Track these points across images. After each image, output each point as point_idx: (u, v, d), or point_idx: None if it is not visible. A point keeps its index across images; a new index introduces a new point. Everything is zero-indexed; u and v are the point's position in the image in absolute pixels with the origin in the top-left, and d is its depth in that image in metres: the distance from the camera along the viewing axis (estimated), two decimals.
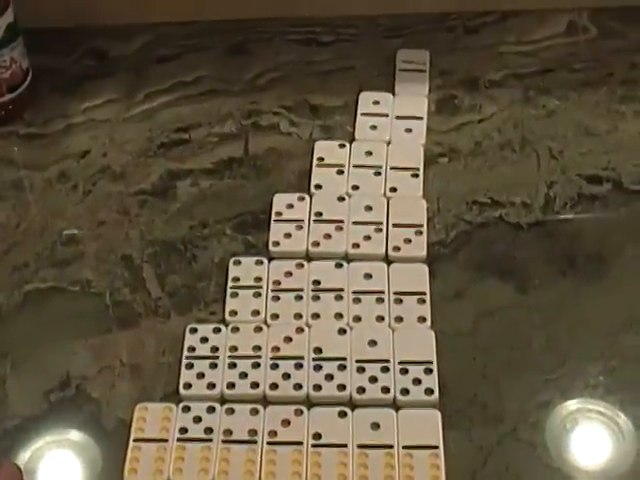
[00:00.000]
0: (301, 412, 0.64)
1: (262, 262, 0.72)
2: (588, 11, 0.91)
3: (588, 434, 0.64)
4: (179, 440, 0.63)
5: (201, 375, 0.66)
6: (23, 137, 0.83)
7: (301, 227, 0.74)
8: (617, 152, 0.81)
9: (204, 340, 0.68)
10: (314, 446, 0.62)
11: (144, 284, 0.72)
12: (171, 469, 0.61)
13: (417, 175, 0.78)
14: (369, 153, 0.80)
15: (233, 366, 0.66)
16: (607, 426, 0.64)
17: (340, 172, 0.78)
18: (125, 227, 0.76)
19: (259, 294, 0.70)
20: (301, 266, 0.72)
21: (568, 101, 0.85)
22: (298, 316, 0.69)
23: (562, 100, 0.85)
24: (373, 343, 0.67)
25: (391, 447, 0.62)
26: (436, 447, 0.62)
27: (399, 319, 0.69)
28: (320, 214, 0.75)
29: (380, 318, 0.69)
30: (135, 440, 0.63)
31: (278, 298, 0.70)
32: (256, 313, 0.69)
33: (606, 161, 0.80)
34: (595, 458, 0.63)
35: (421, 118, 0.83)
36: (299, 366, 0.66)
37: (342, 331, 0.68)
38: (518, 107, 0.85)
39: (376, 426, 0.63)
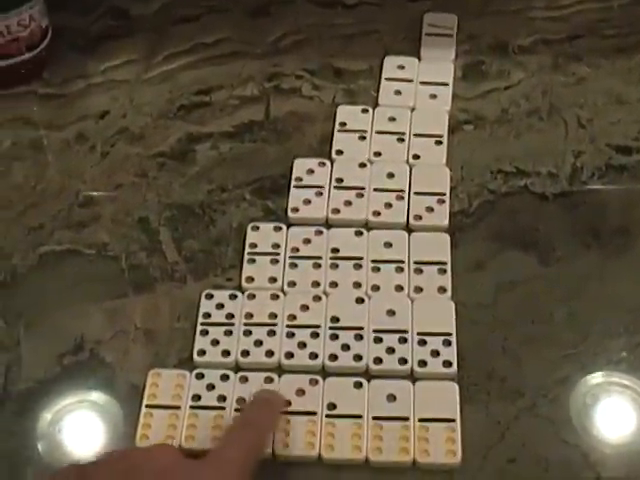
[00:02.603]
0: (316, 382, 0.63)
1: (280, 228, 0.71)
2: None
3: (608, 411, 0.63)
4: (192, 407, 0.62)
5: (216, 342, 0.65)
6: (42, 96, 0.82)
7: (321, 193, 0.73)
8: None
9: (220, 306, 0.67)
10: (328, 416, 0.61)
11: (161, 248, 0.71)
12: (183, 436, 0.61)
13: (441, 142, 0.76)
14: (392, 119, 0.78)
15: (248, 333, 0.65)
16: (630, 401, 0.63)
17: (362, 138, 0.77)
18: (143, 190, 0.75)
19: (277, 261, 0.69)
20: (320, 233, 0.71)
21: (599, 68, 0.83)
22: (315, 284, 0.68)
23: (593, 67, 0.83)
24: (391, 313, 0.66)
25: (407, 419, 0.61)
26: (453, 420, 0.61)
27: (419, 289, 0.67)
28: (341, 180, 0.74)
29: (399, 288, 0.67)
30: (147, 406, 0.62)
31: (296, 265, 0.69)
32: (273, 280, 0.68)
33: (636, 131, 0.78)
34: (615, 435, 0.62)
35: (447, 84, 0.81)
36: (315, 335, 0.65)
37: (360, 300, 0.67)
38: (547, 74, 0.82)
39: (392, 398, 0.62)
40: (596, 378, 0.64)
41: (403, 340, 0.65)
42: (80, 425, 0.63)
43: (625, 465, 0.61)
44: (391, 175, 0.74)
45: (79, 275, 0.70)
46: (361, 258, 0.69)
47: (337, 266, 0.69)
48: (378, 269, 0.69)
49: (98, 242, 0.72)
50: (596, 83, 0.81)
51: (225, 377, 0.63)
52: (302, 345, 0.65)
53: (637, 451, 0.61)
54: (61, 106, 0.81)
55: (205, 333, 0.66)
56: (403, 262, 0.69)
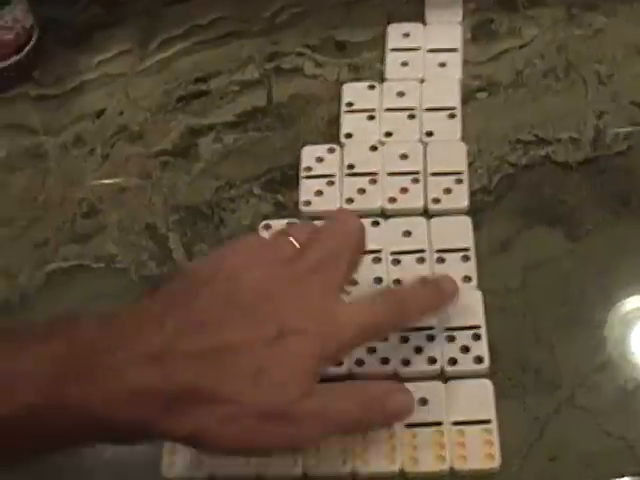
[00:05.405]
0: None
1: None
2: None
3: None
4: None
5: None
6: (34, 99, 0.78)
7: (333, 183, 0.69)
8: None
9: None
10: None
11: (171, 255, 0.68)
12: None
13: (454, 115, 0.72)
14: (401, 94, 0.74)
15: None
16: None
17: (371, 117, 0.73)
18: (148, 193, 0.72)
19: None
20: None
21: (617, 17, 0.78)
22: None
23: (610, 16, 0.78)
24: None
25: (440, 424, 0.58)
26: (489, 422, 0.58)
27: None
28: (352, 167, 0.70)
29: None
30: None
31: None
32: None
33: None
34: None
35: (456, 50, 0.76)
36: None
37: None
38: (561, 28, 0.77)
39: (423, 402, 0.59)
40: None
41: (431, 338, 0.62)
42: None
43: None
44: (404, 156, 0.70)
45: (88, 291, 0.67)
46: (380, 251, 0.66)
47: None
48: (398, 261, 0.65)
49: (105, 254, 0.69)
50: (614, 34, 0.77)
51: None
52: None
53: None
54: (55, 107, 0.78)
55: None
56: (424, 251, 0.66)
